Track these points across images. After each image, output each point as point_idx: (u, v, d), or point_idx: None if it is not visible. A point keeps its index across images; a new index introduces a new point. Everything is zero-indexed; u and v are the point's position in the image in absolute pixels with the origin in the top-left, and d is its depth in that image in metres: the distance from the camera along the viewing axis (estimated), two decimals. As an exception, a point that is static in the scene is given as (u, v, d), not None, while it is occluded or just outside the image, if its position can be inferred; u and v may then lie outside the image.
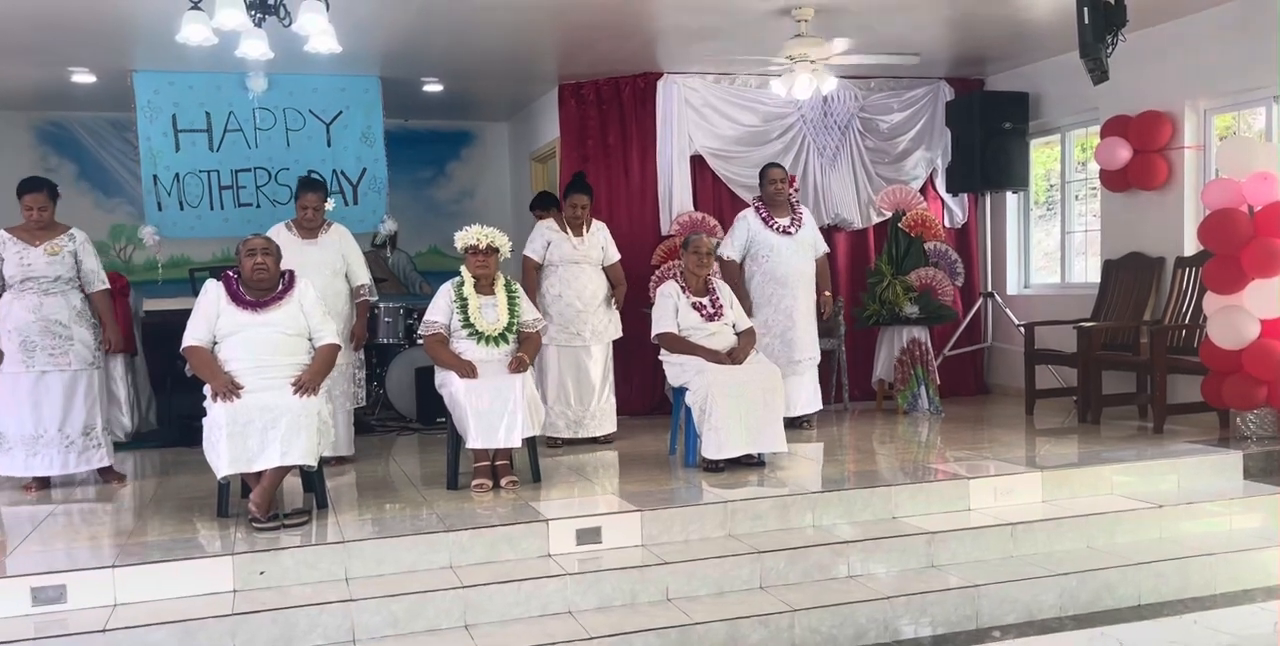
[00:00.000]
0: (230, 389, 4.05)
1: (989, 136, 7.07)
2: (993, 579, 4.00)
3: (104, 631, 3.29)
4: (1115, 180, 6.43)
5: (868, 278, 6.96)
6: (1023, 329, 6.78)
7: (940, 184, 7.58)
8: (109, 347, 5.01)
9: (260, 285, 4.34)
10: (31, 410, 4.77)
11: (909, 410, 6.69)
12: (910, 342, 6.68)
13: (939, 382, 6.78)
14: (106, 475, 5.02)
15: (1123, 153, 6.24)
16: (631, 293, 6.03)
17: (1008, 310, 7.40)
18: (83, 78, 6.92)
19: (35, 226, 4.82)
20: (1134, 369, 6.15)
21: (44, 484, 4.93)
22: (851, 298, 7.22)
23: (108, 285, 5.03)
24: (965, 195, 7.63)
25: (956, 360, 7.52)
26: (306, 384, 4.15)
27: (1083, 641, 3.74)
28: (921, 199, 7.28)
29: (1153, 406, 5.82)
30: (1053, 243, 7.56)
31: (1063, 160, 7.37)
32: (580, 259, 5.68)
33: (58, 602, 3.45)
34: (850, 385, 7.12)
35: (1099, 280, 6.63)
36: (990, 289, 7.59)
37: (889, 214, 7.19)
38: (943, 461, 5.11)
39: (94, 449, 4.91)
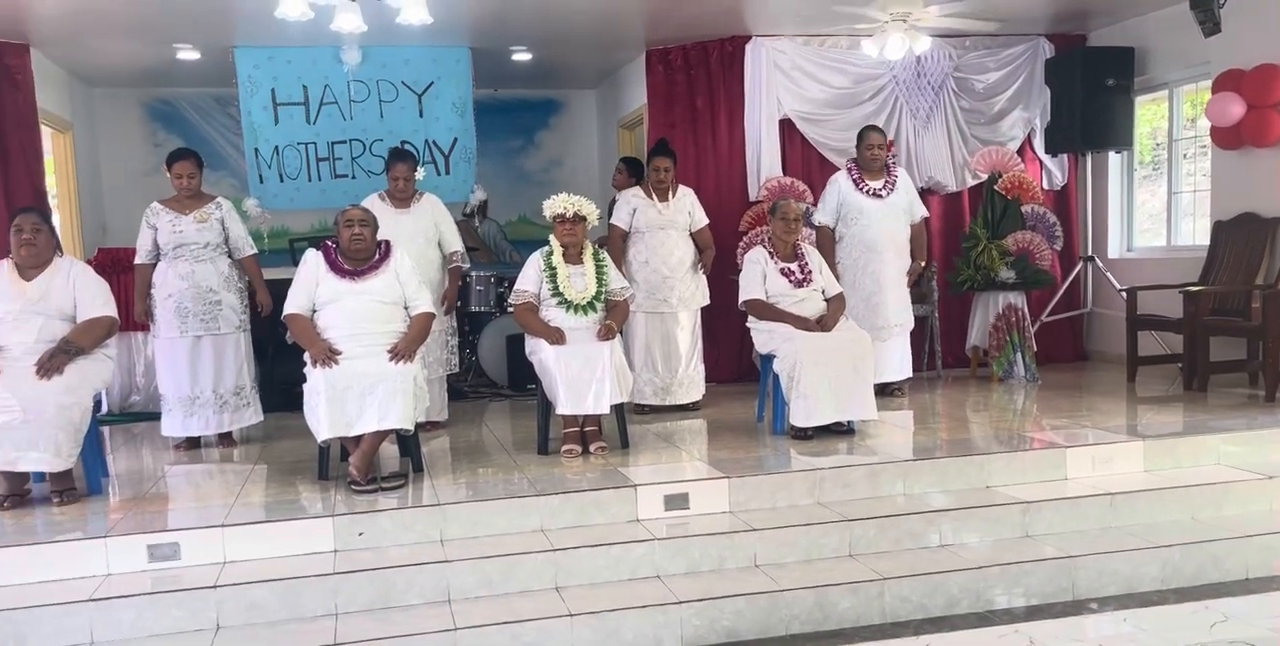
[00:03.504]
0: (328, 355, 4.17)
1: (1091, 94, 6.81)
2: (1091, 550, 3.91)
3: (214, 587, 3.44)
4: (1227, 137, 6.14)
5: (962, 242, 6.80)
6: (1125, 294, 6.56)
7: (1039, 145, 7.34)
8: (265, 312, 5.22)
9: (358, 255, 4.45)
10: (188, 373, 5.03)
11: (1004, 377, 6.55)
12: (1006, 308, 6.52)
13: (1035, 349, 6.62)
14: (223, 439, 5.25)
15: (1235, 108, 5.95)
16: (719, 259, 6.00)
17: (1109, 274, 7.16)
18: (188, 55, 7.15)
19: (185, 195, 5.06)
20: (1244, 335, 5.90)
21: (194, 443, 5.19)
22: (945, 262, 7.08)
23: (256, 250, 5.28)
24: (1065, 156, 7.39)
25: (1054, 326, 7.32)
26: (402, 351, 4.25)
27: (1185, 615, 3.63)
28: (1019, 160, 7.08)
29: (1264, 374, 5.58)
30: (1158, 204, 7.26)
31: (1170, 117, 7.05)
32: (666, 224, 5.66)
33: (172, 559, 3.62)
34: (943, 352, 7.00)
35: (1208, 243, 6.36)
36: (1090, 253, 7.35)
37: (984, 176, 7.00)
38: (1039, 430, 5.00)
39: (244, 407, 5.19)
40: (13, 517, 3.91)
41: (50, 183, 7.05)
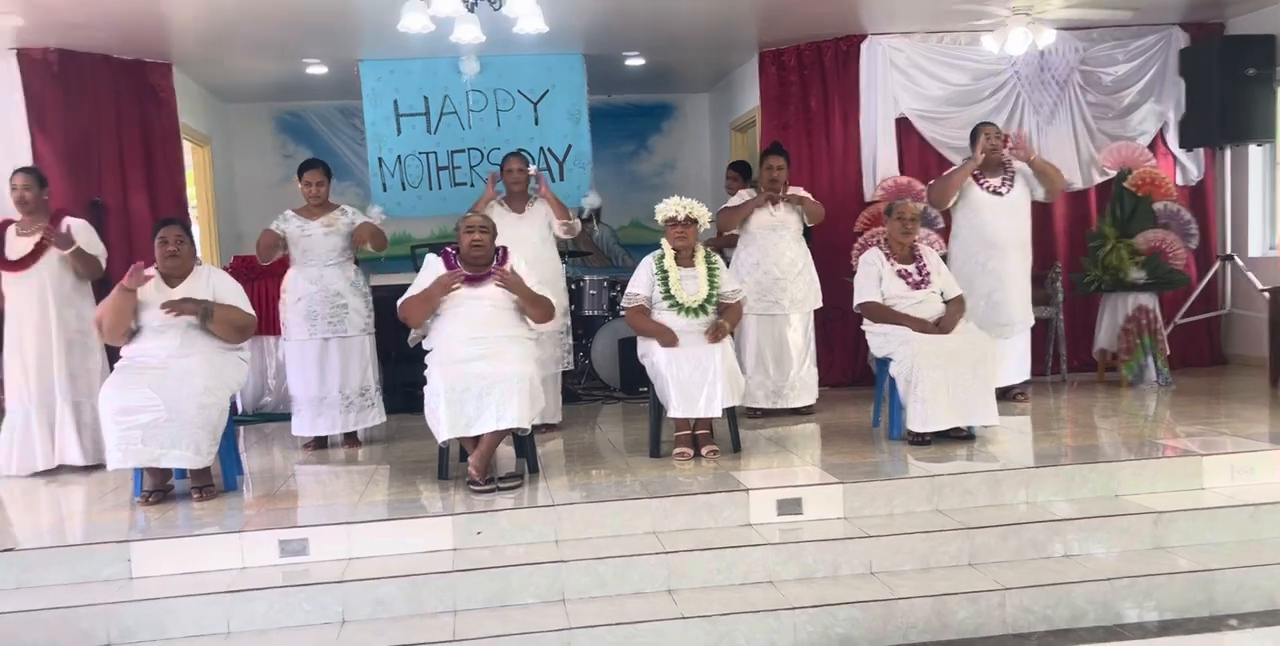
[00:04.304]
0: (452, 278, 4.41)
1: (1230, 85, 6.49)
2: (1229, 563, 3.73)
3: (340, 582, 3.57)
4: (1381, 127, 5.77)
5: (1089, 241, 6.56)
6: (1267, 294, 6.22)
7: (1172, 139, 7.03)
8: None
9: (477, 261, 4.57)
10: (317, 374, 5.24)
11: (1134, 382, 6.28)
12: (1137, 310, 6.26)
13: (1168, 353, 6.33)
14: (348, 439, 5.44)
15: (1390, 96, 5.59)
16: (834, 260, 5.92)
17: (1250, 273, 6.80)
18: (316, 69, 7.46)
19: (314, 203, 5.30)
20: (1402, 337, 5.55)
21: (321, 443, 5.40)
22: (1070, 263, 6.84)
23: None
24: (1201, 150, 7.06)
25: (1189, 328, 7.00)
26: (508, 276, 4.46)
27: (1333, 634, 3.44)
28: (1150, 155, 6.79)
29: None
30: (1305, 199, 6.88)
31: (1317, 107, 6.67)
32: (777, 225, 5.60)
33: (301, 554, 3.77)
34: (1069, 355, 6.76)
35: (1361, 239, 6.00)
36: (1229, 251, 6.99)
37: (1113, 173, 6.74)
38: (1172, 437, 4.78)
39: (369, 408, 5.37)
40: (157, 511, 4.14)
41: (190, 194, 7.44)
